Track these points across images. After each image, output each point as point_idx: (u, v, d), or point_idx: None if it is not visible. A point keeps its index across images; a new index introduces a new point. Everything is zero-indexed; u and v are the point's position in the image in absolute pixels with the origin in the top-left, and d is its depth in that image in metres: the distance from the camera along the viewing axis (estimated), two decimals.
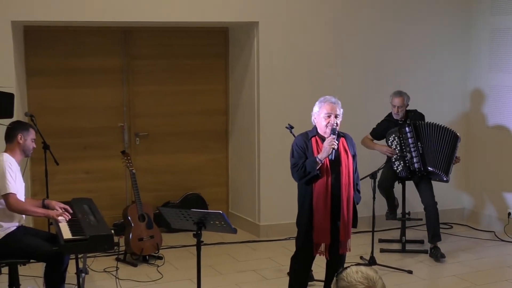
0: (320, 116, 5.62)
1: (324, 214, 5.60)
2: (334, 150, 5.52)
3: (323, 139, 5.62)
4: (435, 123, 7.53)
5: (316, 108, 5.69)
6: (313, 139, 5.65)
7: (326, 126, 5.58)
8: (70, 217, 5.79)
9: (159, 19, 7.75)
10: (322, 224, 5.61)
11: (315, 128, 5.71)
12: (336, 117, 5.59)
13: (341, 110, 5.66)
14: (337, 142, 5.54)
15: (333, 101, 5.63)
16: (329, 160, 5.56)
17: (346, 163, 5.64)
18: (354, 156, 5.75)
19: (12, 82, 7.07)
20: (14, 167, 5.71)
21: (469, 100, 8.99)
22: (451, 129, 7.53)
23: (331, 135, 5.54)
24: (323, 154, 5.51)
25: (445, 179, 7.57)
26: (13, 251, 5.63)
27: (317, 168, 5.53)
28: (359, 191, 5.84)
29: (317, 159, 5.51)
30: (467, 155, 8.87)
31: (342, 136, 5.71)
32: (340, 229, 5.67)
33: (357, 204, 5.83)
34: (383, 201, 7.82)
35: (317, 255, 5.82)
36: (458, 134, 7.53)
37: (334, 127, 5.57)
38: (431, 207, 7.58)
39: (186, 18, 7.82)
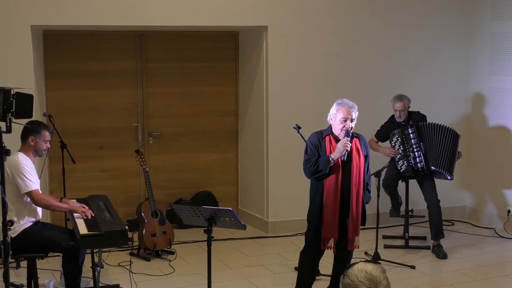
0: (337, 119, 5.72)
1: (333, 211, 5.70)
2: (346, 152, 5.65)
3: (336, 138, 5.74)
4: (436, 123, 7.58)
5: (333, 110, 5.78)
6: (327, 138, 5.77)
7: (341, 129, 5.70)
8: (93, 214, 5.85)
9: (172, 24, 7.79)
10: (331, 220, 5.71)
11: (330, 127, 5.82)
12: (351, 121, 5.71)
13: (357, 113, 5.77)
14: (350, 144, 5.65)
15: (350, 105, 5.73)
16: (341, 159, 5.68)
17: (358, 162, 5.74)
18: (366, 157, 5.86)
19: (31, 83, 7.09)
20: (29, 164, 5.79)
21: (471, 102, 9.01)
22: (451, 128, 7.58)
23: (345, 137, 5.66)
24: (336, 154, 5.62)
25: (449, 177, 7.59)
26: (30, 244, 5.70)
27: (329, 166, 5.65)
28: (369, 191, 5.94)
29: (330, 158, 5.63)
30: (469, 155, 8.92)
31: (356, 137, 5.82)
32: (348, 226, 5.77)
33: (367, 203, 5.92)
34: (386, 198, 7.90)
35: (326, 251, 5.91)
36: (458, 132, 7.59)
37: (349, 129, 5.70)
38: (434, 204, 7.59)
39: (198, 23, 7.87)
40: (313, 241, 5.86)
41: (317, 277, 6.47)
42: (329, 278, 6.28)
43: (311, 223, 5.87)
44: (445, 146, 7.56)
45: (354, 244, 5.87)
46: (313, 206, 5.83)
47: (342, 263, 5.86)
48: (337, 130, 5.75)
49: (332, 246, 5.85)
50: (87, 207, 5.96)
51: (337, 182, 5.70)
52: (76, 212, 5.94)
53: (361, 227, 5.91)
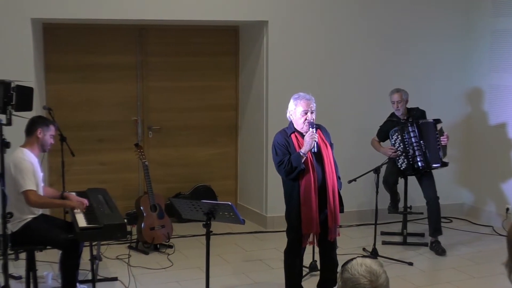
0: (297, 113, 5.70)
1: (312, 206, 5.65)
2: (315, 143, 5.63)
3: (301, 134, 5.71)
4: (427, 120, 7.65)
5: (292, 106, 5.76)
6: (293, 136, 5.73)
7: (304, 123, 5.68)
8: (85, 208, 5.81)
9: (173, 18, 7.81)
10: (310, 216, 5.66)
11: (291, 124, 5.79)
12: (312, 112, 5.69)
13: (315, 105, 5.74)
14: (317, 135, 5.64)
15: (308, 98, 5.72)
16: (312, 153, 5.66)
17: (327, 153, 5.74)
18: (331, 146, 5.86)
19: (31, 77, 7.10)
20: (33, 161, 5.75)
21: (471, 99, 9.00)
22: (429, 121, 7.64)
23: (310, 129, 5.64)
24: (306, 147, 5.60)
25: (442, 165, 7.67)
26: (31, 239, 5.72)
27: (302, 161, 5.61)
28: (339, 178, 5.90)
29: (301, 153, 5.60)
30: (468, 152, 8.97)
31: (318, 128, 5.79)
32: (328, 216, 5.73)
33: (340, 190, 5.87)
34: (385, 194, 7.86)
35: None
36: (431, 120, 7.63)
37: (312, 121, 5.69)
38: (433, 201, 7.60)
39: (199, 17, 7.89)
40: (295, 239, 5.83)
41: (314, 272, 6.55)
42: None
43: (290, 222, 5.83)
44: (435, 140, 7.60)
45: (334, 233, 5.82)
46: (291, 205, 5.78)
47: (328, 253, 5.88)
48: (299, 125, 5.72)
49: (312, 241, 5.84)
50: (82, 199, 5.94)
51: (313, 177, 5.66)
52: (68, 207, 5.98)
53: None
